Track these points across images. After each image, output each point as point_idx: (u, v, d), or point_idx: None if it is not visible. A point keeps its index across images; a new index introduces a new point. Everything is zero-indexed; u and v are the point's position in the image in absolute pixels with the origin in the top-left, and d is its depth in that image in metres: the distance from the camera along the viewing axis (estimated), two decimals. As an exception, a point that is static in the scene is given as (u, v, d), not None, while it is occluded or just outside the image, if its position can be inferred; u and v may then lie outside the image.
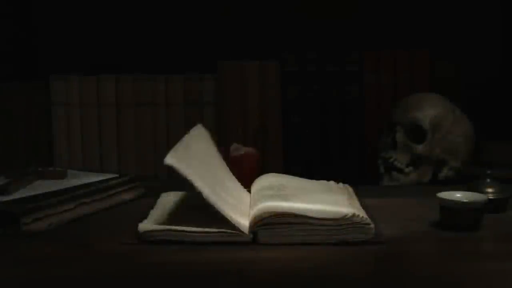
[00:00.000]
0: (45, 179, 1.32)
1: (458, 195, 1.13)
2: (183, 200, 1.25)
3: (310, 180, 1.32)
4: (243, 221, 1.07)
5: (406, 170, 1.49)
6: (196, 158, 1.14)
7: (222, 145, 1.63)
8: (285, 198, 1.11)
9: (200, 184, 1.04)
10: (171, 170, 1.03)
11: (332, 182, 1.32)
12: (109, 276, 0.93)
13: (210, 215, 1.14)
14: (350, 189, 1.28)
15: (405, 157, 1.49)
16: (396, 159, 1.49)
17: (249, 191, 1.28)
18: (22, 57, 1.76)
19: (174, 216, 1.13)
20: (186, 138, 1.21)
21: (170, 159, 1.04)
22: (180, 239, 1.05)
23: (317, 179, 1.34)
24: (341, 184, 1.31)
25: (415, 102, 1.51)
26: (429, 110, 1.48)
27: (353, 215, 1.04)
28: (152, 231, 1.05)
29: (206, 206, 1.19)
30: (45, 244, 1.06)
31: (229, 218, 1.04)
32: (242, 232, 1.04)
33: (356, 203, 1.17)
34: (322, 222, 1.04)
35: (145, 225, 1.07)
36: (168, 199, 1.26)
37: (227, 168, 1.30)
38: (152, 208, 1.20)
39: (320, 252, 1.02)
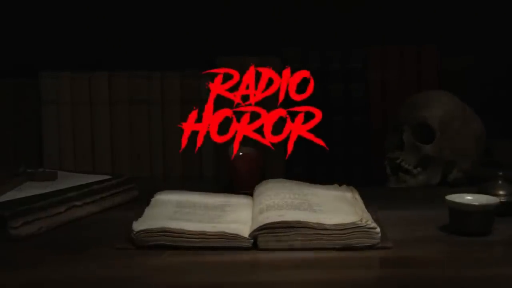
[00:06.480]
0: (35, 181, 1.31)
1: (468, 198, 1.12)
2: (179, 199, 1.24)
3: (315, 187, 1.30)
4: (243, 227, 1.06)
5: (414, 171, 1.47)
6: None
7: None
8: (296, 207, 1.11)
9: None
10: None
11: (335, 186, 1.31)
12: (102, 283, 0.92)
13: (208, 214, 1.12)
14: (355, 192, 1.27)
15: (412, 158, 1.47)
16: (404, 160, 1.48)
17: (251, 193, 1.27)
18: (12, 54, 1.76)
19: (170, 215, 1.12)
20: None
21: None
22: (178, 244, 1.03)
23: (320, 180, 1.33)
24: (344, 187, 1.31)
25: (423, 100, 1.50)
26: (438, 108, 1.47)
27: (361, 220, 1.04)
28: (147, 232, 1.03)
29: (204, 206, 1.18)
30: (34, 249, 1.05)
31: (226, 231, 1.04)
32: (242, 236, 1.03)
33: (361, 206, 1.16)
34: (324, 227, 1.02)
35: (139, 224, 1.06)
36: (163, 198, 1.24)
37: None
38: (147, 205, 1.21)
39: (322, 257, 1.00)
